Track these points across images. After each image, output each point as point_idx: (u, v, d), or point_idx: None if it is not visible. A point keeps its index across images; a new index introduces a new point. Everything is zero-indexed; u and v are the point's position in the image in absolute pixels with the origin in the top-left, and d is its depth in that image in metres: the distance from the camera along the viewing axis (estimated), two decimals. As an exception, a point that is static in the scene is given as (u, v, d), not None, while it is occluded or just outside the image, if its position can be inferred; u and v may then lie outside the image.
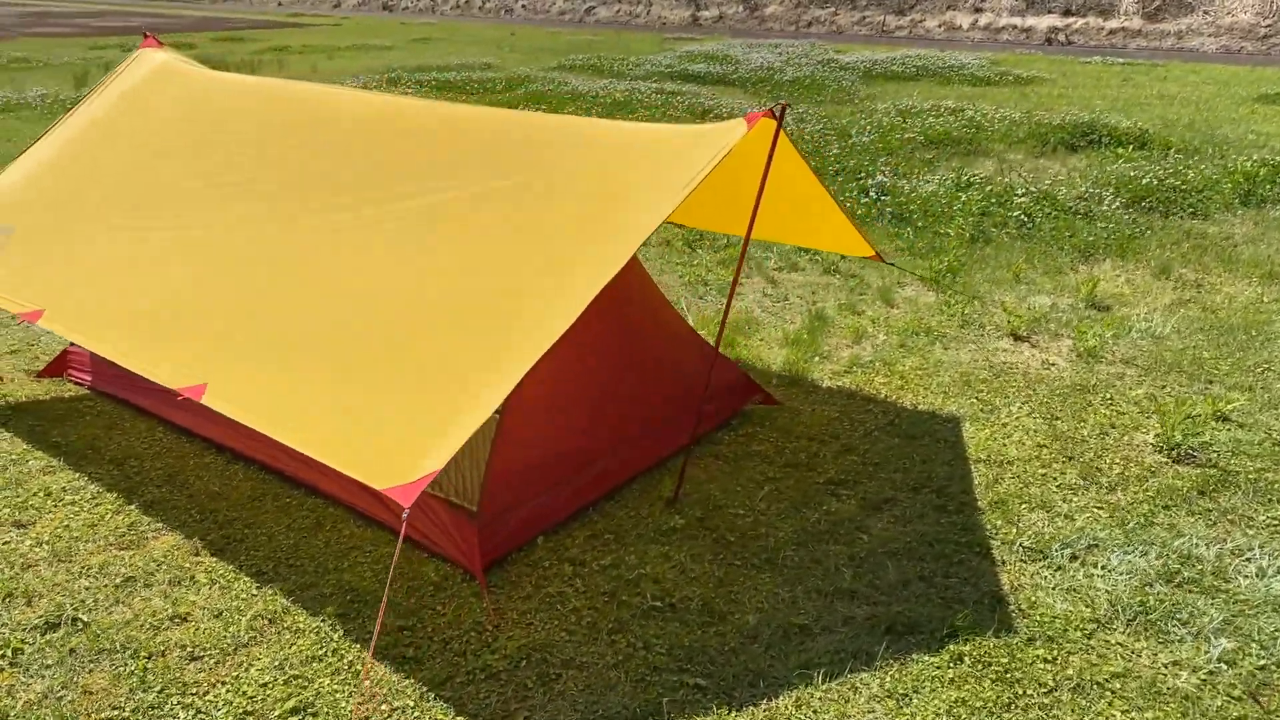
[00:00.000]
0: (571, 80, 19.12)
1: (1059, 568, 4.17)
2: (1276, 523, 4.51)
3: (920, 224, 9.26)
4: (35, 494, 4.62)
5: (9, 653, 3.60)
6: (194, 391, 3.79)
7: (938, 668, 3.57)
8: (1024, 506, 4.61)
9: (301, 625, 3.76)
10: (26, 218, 5.14)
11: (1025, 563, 4.21)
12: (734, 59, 22.67)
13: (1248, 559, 4.22)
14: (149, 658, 3.57)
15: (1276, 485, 4.79)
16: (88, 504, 4.56)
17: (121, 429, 5.24)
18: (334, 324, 3.88)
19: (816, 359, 6.25)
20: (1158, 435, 5.18)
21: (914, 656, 3.62)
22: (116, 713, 3.34)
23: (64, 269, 4.77)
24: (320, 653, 3.62)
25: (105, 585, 3.97)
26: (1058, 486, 4.81)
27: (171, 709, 3.34)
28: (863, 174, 10.94)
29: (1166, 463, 5.02)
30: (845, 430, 5.33)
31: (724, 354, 5.48)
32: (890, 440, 5.23)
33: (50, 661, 3.56)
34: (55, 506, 4.53)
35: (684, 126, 4.22)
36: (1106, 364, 6.24)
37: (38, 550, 4.21)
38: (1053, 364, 6.26)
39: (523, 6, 43.23)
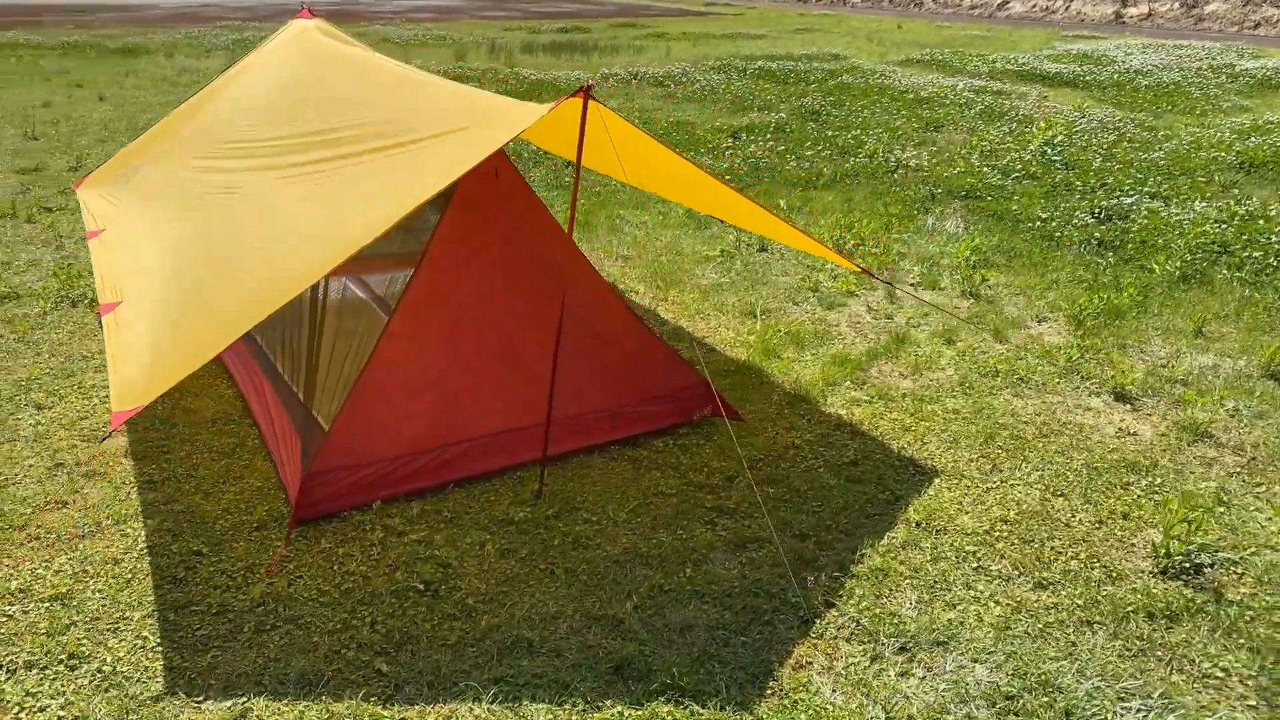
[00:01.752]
0: (898, 73, 18.29)
1: (875, 658, 3.52)
2: (1216, 680, 3.44)
3: (1129, 254, 7.88)
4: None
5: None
6: (107, 308, 4.33)
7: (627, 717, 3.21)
8: (909, 583, 3.92)
9: (130, 530, 4.17)
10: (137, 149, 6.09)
11: (843, 642, 3.60)
12: (1108, 59, 20.37)
13: (1123, 708, 3.29)
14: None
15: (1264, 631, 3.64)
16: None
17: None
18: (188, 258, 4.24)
19: (847, 383, 5.64)
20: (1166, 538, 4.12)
21: (611, 701, 3.28)
22: None
23: (123, 191, 5.56)
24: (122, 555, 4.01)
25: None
26: (974, 569, 4.01)
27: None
28: (1116, 192, 9.48)
29: (1146, 572, 3.99)
30: (786, 460, 4.81)
31: (683, 358, 5.14)
32: (827, 481, 4.64)
33: None
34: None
35: (519, 102, 4.06)
36: (1205, 444, 5.02)
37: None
38: (1132, 433, 5.15)
39: (933, 0, 41.56)
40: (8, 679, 3.36)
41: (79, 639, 3.55)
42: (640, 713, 3.25)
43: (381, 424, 4.34)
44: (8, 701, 3.28)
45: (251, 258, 4.04)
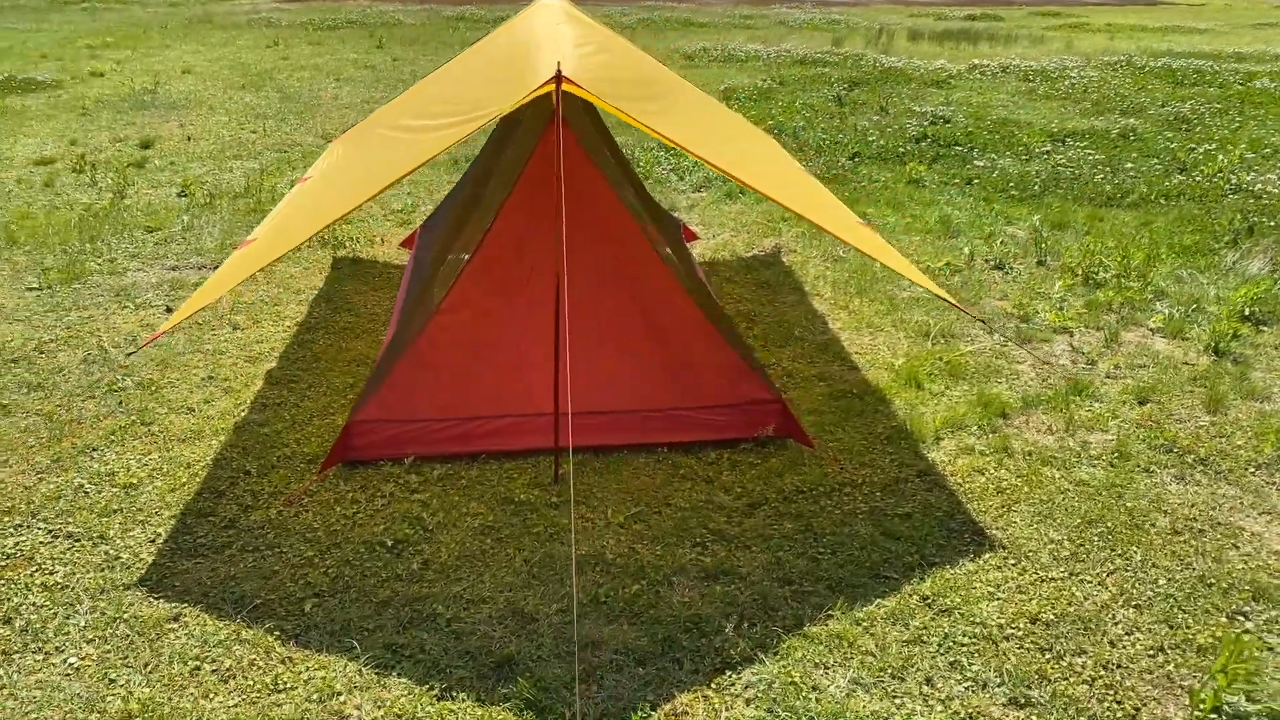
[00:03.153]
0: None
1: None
2: None
3: None
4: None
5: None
6: (243, 244, 4.96)
7: None
8: (858, 660, 3.45)
9: (217, 442, 4.81)
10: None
11: (741, 703, 3.29)
12: None
13: None
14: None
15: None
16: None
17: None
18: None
19: (974, 428, 4.98)
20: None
21: (468, 697, 3.28)
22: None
23: (342, 145, 6.21)
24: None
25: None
26: (948, 664, 3.44)
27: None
28: None
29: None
30: (831, 499, 4.38)
31: (760, 370, 4.81)
32: (859, 529, 4.17)
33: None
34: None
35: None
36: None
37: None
38: (1303, 553, 4.06)
39: None
40: (49, 542, 4.05)
41: (115, 524, 4.18)
42: (482, 711, 3.20)
43: (429, 386, 4.56)
44: (37, 559, 3.96)
45: (314, 204, 4.38)
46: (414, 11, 26.33)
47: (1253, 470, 4.63)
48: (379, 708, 3.23)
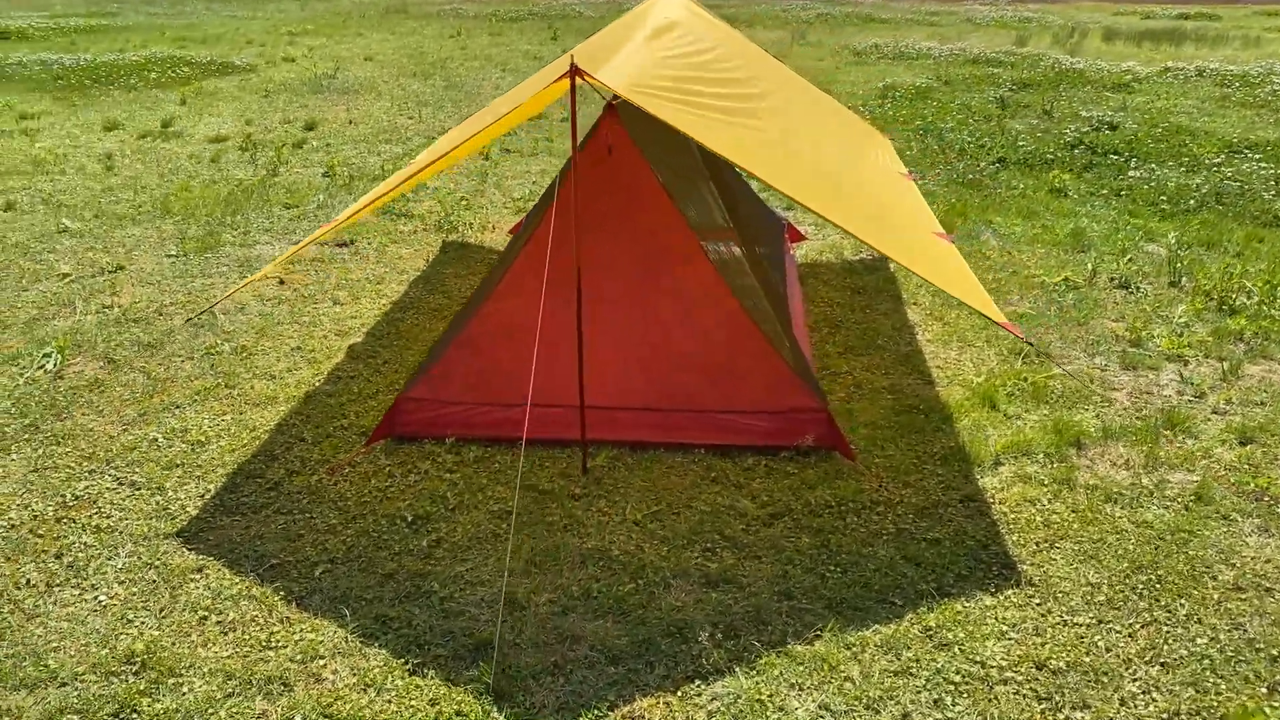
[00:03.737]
0: None
1: (707, 741, 3.12)
2: None
3: None
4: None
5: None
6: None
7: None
8: (829, 685, 3.32)
9: (285, 409, 5.10)
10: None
11: (705, 715, 3.23)
12: None
13: None
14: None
15: None
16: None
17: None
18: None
19: (1040, 455, 4.67)
20: None
21: (437, 676, 3.37)
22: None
23: None
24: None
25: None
26: (930, 701, 3.26)
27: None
28: None
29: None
30: (860, 516, 4.21)
31: (808, 378, 4.67)
32: (878, 551, 3.99)
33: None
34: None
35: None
36: None
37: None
38: (1385, 627, 3.61)
39: None
40: (114, 488, 4.42)
41: (174, 476, 4.50)
42: (446, 690, 3.27)
43: (475, 370, 4.68)
44: (100, 503, 4.32)
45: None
46: (596, 4, 26.85)
47: (1355, 528, 4.13)
48: (354, 675, 3.35)
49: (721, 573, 3.85)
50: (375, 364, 5.59)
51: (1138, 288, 6.66)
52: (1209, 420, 4.99)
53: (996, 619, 3.59)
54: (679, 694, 3.27)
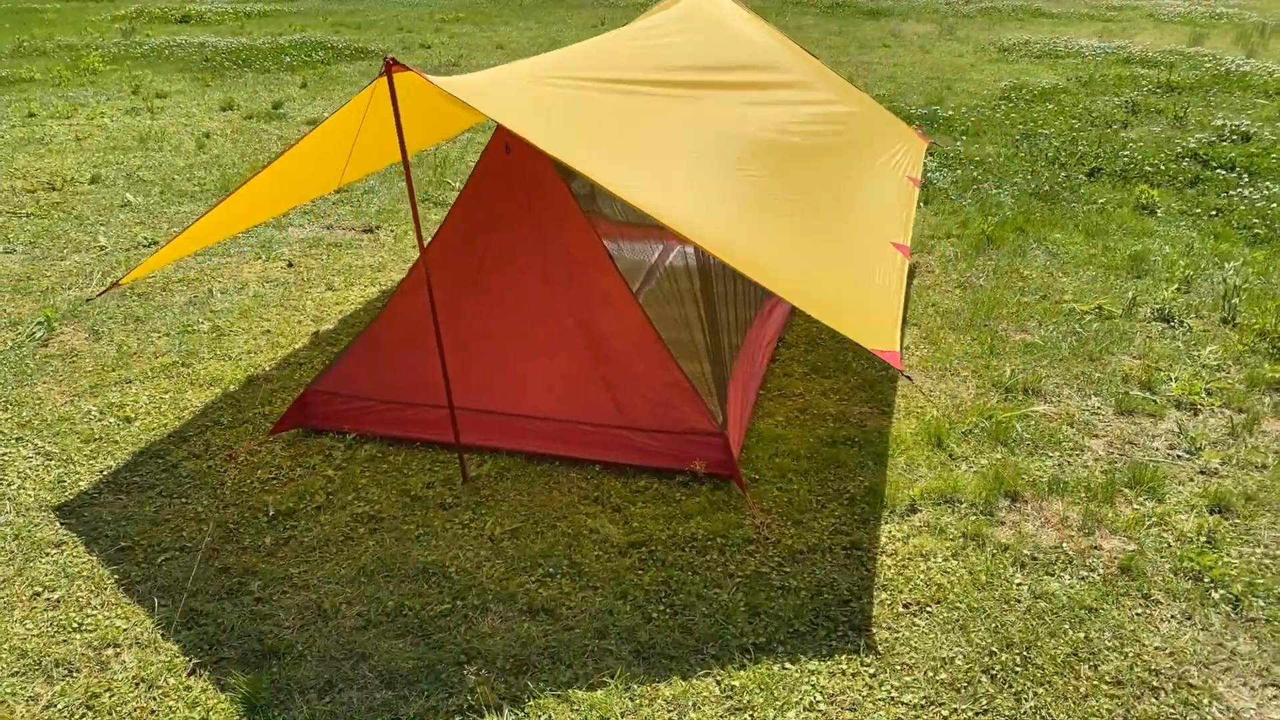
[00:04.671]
0: None
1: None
2: None
3: None
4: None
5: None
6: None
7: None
8: (630, 717, 3.09)
9: (252, 391, 5.21)
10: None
11: (436, 752, 3.07)
12: None
13: None
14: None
15: None
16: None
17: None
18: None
19: (963, 506, 4.21)
20: None
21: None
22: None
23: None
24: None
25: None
26: (683, 771, 2.97)
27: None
28: None
29: None
30: (716, 554, 3.90)
31: (707, 402, 4.36)
32: (721, 594, 3.68)
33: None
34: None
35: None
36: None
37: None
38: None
39: None
40: (29, 458, 4.62)
41: (86, 450, 4.68)
42: (198, 695, 3.23)
43: (378, 367, 4.63)
44: (7, 470, 4.51)
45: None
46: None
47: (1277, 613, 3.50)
48: (137, 667, 3.35)
49: (547, 602, 3.64)
50: (331, 352, 5.62)
51: (1181, 322, 5.91)
52: (1186, 482, 4.35)
53: (813, 686, 3.23)
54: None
